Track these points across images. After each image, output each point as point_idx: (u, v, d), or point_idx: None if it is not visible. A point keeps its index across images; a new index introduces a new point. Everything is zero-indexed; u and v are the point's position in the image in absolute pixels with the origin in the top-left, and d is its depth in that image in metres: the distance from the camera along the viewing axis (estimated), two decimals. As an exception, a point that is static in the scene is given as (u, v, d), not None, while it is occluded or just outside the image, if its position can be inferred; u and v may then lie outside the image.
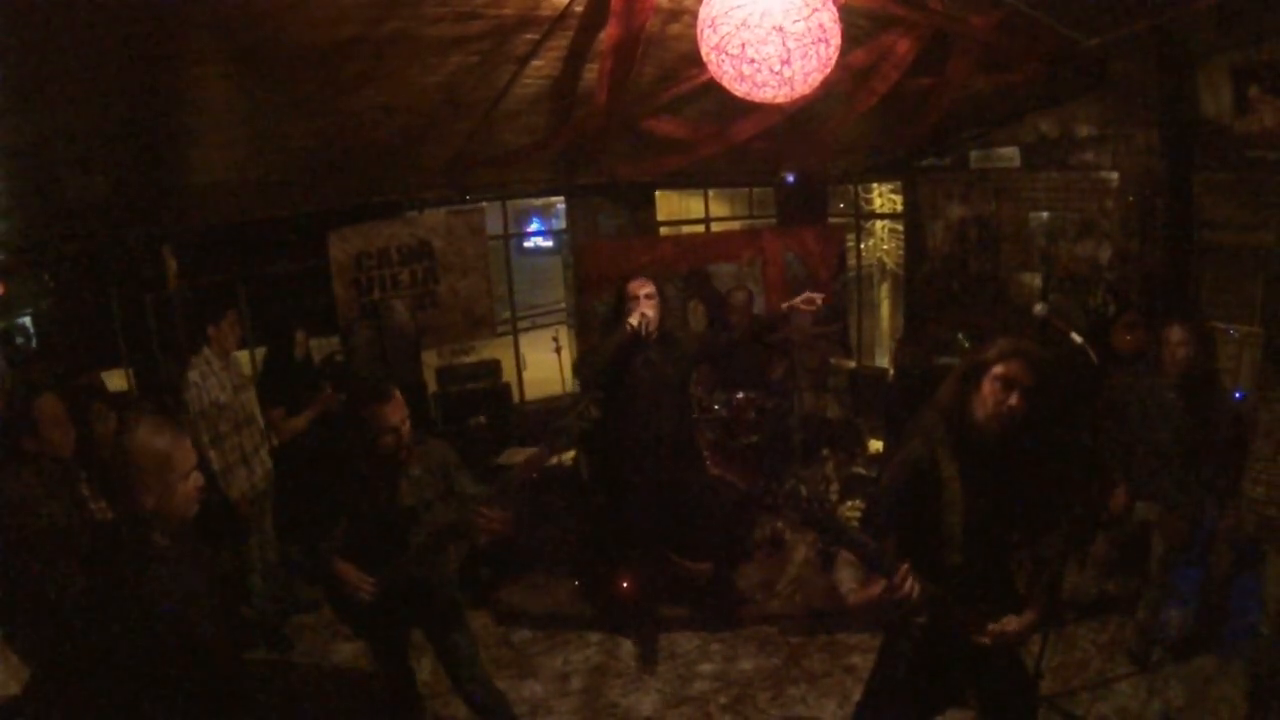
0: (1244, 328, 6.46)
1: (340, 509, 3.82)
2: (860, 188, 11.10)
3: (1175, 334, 4.75)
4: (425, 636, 4.15)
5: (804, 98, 4.05)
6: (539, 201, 14.02)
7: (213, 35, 4.08)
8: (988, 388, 3.05)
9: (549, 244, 15.50)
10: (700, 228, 9.56)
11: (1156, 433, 4.85)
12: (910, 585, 3.01)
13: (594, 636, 5.71)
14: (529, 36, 4.88)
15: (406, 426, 3.79)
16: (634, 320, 4.97)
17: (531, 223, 16.00)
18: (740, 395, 6.81)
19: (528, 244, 16.64)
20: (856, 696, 4.49)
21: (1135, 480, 4.99)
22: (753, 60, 3.54)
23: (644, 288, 5.01)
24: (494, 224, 8.72)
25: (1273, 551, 4.39)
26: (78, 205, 5.59)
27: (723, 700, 5.00)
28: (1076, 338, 5.73)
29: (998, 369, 3.02)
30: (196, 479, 2.67)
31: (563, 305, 10.61)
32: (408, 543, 3.81)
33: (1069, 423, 5.60)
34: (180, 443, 2.65)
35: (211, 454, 5.21)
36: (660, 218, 9.16)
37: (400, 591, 3.83)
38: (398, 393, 3.80)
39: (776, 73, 3.55)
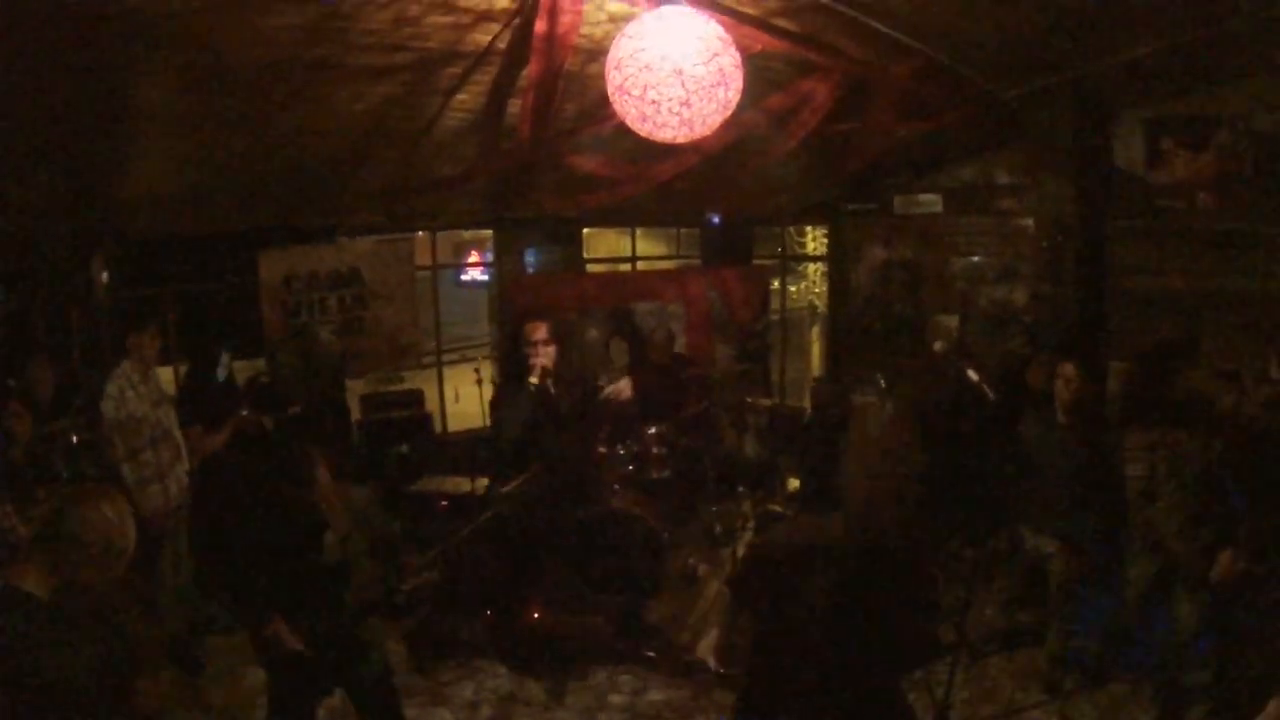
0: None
1: (262, 560, 3.66)
2: (794, 230, 11.33)
3: (1067, 370, 4.98)
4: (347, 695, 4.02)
5: (707, 139, 4.24)
6: (470, 235, 14.09)
7: (150, 46, 4.15)
8: None
9: (485, 278, 15.55)
10: (628, 266, 9.72)
11: (1050, 468, 5.01)
12: None
13: (504, 665, 5.66)
14: (454, 70, 5.03)
15: (332, 499, 3.71)
16: (534, 378, 5.17)
17: (470, 256, 15.99)
18: (651, 430, 6.92)
19: (465, 276, 16.63)
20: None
21: (1030, 514, 5.16)
22: (654, 101, 3.72)
23: (537, 332, 5.17)
24: (431, 256, 8.80)
25: (1181, 587, 4.54)
26: (7, 207, 5.56)
27: (633, 730, 5.01)
28: (972, 375, 5.99)
29: None
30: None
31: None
32: (340, 601, 3.71)
33: (967, 459, 5.80)
34: (129, 524, 2.61)
35: (125, 468, 5.21)
36: (594, 255, 9.30)
37: (330, 651, 3.71)
38: (324, 466, 3.71)
39: (676, 114, 3.73)
